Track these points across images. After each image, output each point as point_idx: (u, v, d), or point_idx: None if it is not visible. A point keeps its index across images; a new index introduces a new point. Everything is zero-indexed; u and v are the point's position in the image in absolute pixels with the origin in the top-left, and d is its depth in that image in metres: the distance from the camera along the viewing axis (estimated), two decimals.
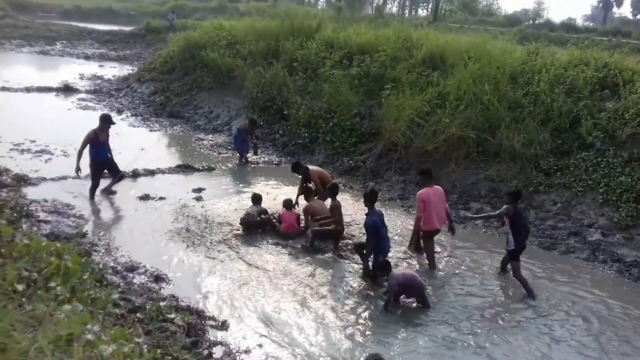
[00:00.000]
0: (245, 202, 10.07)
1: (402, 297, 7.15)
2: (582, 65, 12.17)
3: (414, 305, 7.13)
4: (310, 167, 10.35)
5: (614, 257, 8.89)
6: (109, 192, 10.35)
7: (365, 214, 7.80)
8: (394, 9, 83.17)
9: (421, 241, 8.59)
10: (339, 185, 9.96)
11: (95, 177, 10.18)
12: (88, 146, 10.15)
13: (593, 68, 12.00)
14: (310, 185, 9.94)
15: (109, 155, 10.40)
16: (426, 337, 6.42)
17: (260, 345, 5.96)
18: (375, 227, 7.55)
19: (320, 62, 15.66)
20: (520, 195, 8.38)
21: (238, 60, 17.48)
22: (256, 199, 9.51)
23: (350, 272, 7.95)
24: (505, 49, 13.95)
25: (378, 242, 7.59)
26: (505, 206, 7.87)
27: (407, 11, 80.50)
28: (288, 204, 9.45)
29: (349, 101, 13.69)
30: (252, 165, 13.13)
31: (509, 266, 7.91)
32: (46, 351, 3.52)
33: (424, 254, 8.45)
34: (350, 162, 12.76)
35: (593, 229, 9.58)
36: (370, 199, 7.74)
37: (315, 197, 9.72)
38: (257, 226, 9.11)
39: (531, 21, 55.62)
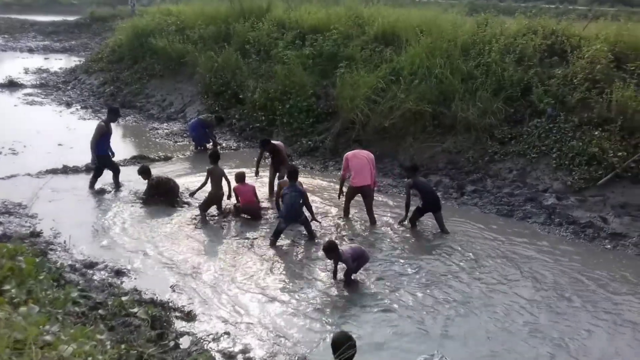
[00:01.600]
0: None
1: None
2: (530, 33, 12.38)
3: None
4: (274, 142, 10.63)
5: (569, 220, 9.18)
6: (117, 188, 10.20)
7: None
8: None
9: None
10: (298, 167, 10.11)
11: (100, 168, 10.14)
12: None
13: (541, 36, 12.22)
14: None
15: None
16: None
17: (227, 333, 5.91)
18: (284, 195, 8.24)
19: (273, 44, 15.46)
20: (417, 168, 9.41)
21: (188, 45, 17.07)
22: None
23: (309, 257, 7.96)
24: (456, 21, 14.05)
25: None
26: (407, 181, 9.06)
27: None
28: (241, 177, 9.44)
29: (304, 82, 13.59)
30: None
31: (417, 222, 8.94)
32: (3, 356, 3.41)
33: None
34: (309, 142, 12.72)
35: (548, 194, 9.85)
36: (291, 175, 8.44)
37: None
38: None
39: None
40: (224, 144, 13.48)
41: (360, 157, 9.10)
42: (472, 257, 7.92)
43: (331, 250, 7.02)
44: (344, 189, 9.23)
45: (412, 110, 11.69)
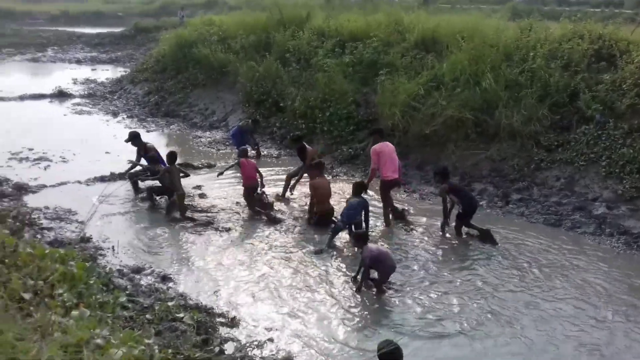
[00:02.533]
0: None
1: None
2: (576, 38, 12.05)
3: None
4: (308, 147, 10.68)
5: (621, 230, 8.85)
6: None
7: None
8: None
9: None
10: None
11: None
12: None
13: (588, 40, 11.88)
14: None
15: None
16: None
17: (271, 340, 5.94)
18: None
19: (313, 52, 15.55)
20: (447, 171, 9.18)
21: (230, 55, 17.34)
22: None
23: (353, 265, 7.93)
24: (499, 27, 13.83)
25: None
26: (442, 186, 8.78)
27: None
28: (245, 153, 10.12)
29: (344, 89, 13.60)
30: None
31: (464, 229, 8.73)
32: (56, 359, 3.49)
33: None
34: (350, 150, 12.70)
35: (598, 203, 9.53)
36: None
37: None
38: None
39: None
40: (265, 152, 13.60)
41: (389, 150, 9.18)
42: (519, 267, 7.73)
43: (360, 239, 7.31)
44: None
45: (454, 117, 11.53)
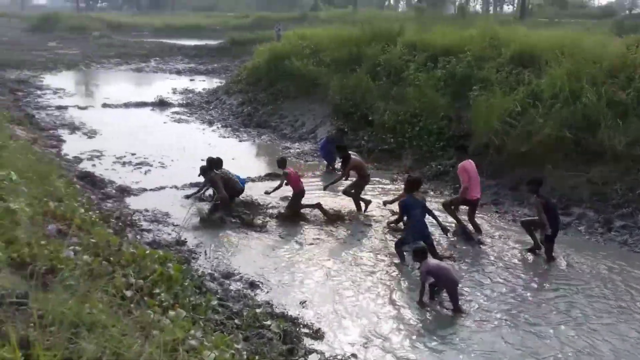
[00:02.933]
0: (336, 205, 10.12)
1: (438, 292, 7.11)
2: None
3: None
4: (353, 156, 10.70)
5: None
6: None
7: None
8: (478, 7, 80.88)
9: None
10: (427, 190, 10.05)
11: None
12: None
13: None
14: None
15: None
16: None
17: (354, 356, 5.90)
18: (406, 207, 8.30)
19: (404, 66, 15.46)
20: (541, 182, 8.67)
21: (321, 68, 17.64)
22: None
23: None
24: (602, 42, 13.09)
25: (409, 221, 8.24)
26: (535, 197, 8.29)
27: (491, 8, 77.98)
28: (283, 162, 10.38)
29: (435, 104, 13.40)
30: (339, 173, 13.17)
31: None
32: (154, 356, 3.64)
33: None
34: (439, 166, 12.46)
35: None
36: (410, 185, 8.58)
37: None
38: None
39: (628, 11, 52.06)
40: None
41: (473, 168, 9.26)
42: (619, 300, 7.20)
43: (419, 254, 7.22)
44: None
45: (553, 136, 11.00)
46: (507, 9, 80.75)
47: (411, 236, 8.16)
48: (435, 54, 15.28)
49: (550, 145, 11.07)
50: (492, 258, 8.45)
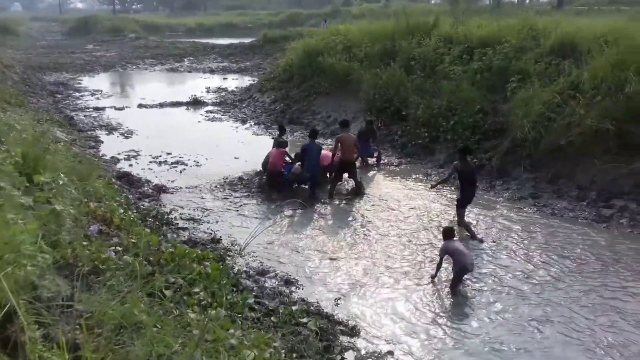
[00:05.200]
0: (374, 203, 10.05)
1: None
2: None
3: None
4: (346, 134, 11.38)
5: None
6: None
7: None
8: None
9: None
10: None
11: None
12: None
13: None
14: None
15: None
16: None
17: (390, 352, 5.86)
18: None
19: (439, 59, 15.22)
20: (469, 150, 9.64)
21: (354, 63, 17.53)
22: None
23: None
24: None
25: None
26: (455, 162, 9.19)
27: None
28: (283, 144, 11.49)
29: (471, 97, 13.15)
30: (374, 168, 13.11)
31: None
32: (195, 355, 3.67)
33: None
34: (475, 160, 12.20)
35: None
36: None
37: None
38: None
39: None
40: (385, 160, 13.55)
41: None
42: None
43: (447, 233, 7.48)
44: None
45: (594, 127, 10.67)
46: None
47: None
48: (471, 46, 14.98)
49: (591, 138, 10.74)
50: (536, 258, 8.27)
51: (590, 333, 6.23)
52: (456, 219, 9.27)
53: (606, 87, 10.99)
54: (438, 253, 7.49)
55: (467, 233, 8.92)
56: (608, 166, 10.50)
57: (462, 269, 7.09)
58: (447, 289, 7.24)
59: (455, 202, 9.31)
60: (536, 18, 15.35)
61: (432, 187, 10.36)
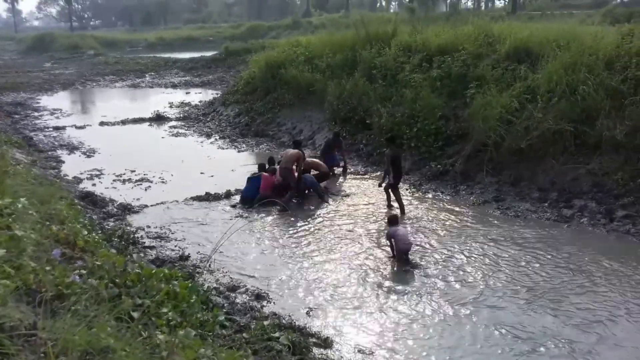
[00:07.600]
0: (335, 214, 10.10)
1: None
2: None
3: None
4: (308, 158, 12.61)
5: None
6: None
7: None
8: (469, 4, 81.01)
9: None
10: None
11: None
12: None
13: None
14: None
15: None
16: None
17: None
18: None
19: (399, 68, 15.46)
20: (395, 139, 11.55)
21: (317, 74, 17.65)
22: None
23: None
24: (597, 33, 13.08)
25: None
26: (387, 150, 10.89)
27: (482, 4, 78.13)
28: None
29: (432, 104, 13.39)
30: (340, 178, 13.19)
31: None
32: None
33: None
34: (438, 166, 12.44)
35: None
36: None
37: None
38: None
39: (620, 0, 52.08)
40: (351, 169, 13.65)
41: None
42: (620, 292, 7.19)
43: (392, 220, 8.79)
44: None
45: (551, 129, 11.01)
46: (499, 3, 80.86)
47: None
48: (430, 54, 15.26)
49: (549, 139, 11.10)
50: (504, 261, 8.45)
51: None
52: (395, 203, 10.62)
53: (561, 89, 11.38)
54: (386, 238, 8.74)
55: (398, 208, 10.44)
56: (567, 167, 10.85)
57: (401, 249, 8.33)
58: (422, 297, 7.32)
59: (390, 188, 10.63)
60: (491, 24, 15.73)
61: (380, 185, 10.91)
